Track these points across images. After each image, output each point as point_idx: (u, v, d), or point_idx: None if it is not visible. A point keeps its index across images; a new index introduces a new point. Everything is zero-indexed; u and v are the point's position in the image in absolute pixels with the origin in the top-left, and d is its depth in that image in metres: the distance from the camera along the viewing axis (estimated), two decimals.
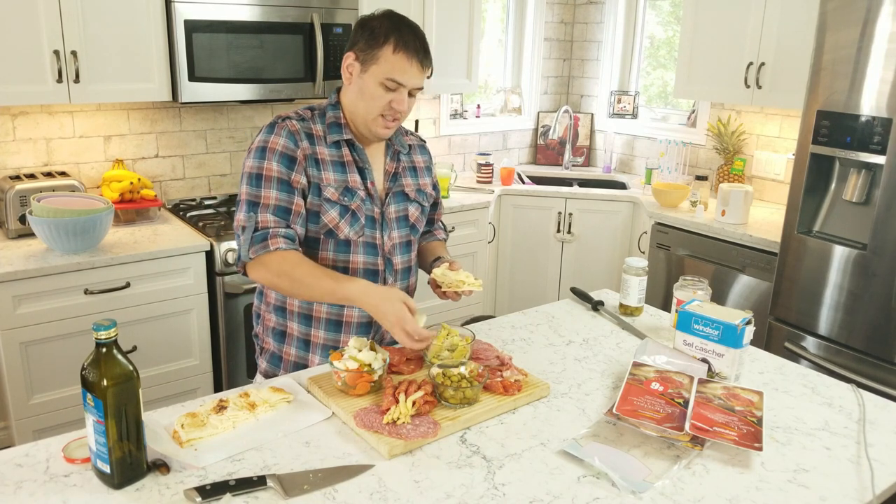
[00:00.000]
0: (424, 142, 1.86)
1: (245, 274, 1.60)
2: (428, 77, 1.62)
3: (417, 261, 1.82)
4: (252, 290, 2.74)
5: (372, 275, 1.67)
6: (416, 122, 3.87)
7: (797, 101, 2.80)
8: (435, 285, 1.64)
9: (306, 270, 1.52)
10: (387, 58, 1.53)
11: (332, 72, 3.03)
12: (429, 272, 1.73)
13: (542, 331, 1.86)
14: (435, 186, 1.86)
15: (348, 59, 1.58)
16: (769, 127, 3.52)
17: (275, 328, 1.72)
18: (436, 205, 1.90)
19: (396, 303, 1.45)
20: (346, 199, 1.61)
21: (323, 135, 1.62)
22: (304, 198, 1.59)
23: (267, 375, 1.76)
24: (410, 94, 1.59)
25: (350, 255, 1.64)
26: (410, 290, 1.78)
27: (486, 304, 3.84)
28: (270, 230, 1.54)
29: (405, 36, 1.53)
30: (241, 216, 1.57)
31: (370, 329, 1.69)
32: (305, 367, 1.70)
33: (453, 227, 3.37)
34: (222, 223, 2.86)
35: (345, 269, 1.64)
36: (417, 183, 1.76)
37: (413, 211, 1.73)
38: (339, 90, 1.67)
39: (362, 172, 1.64)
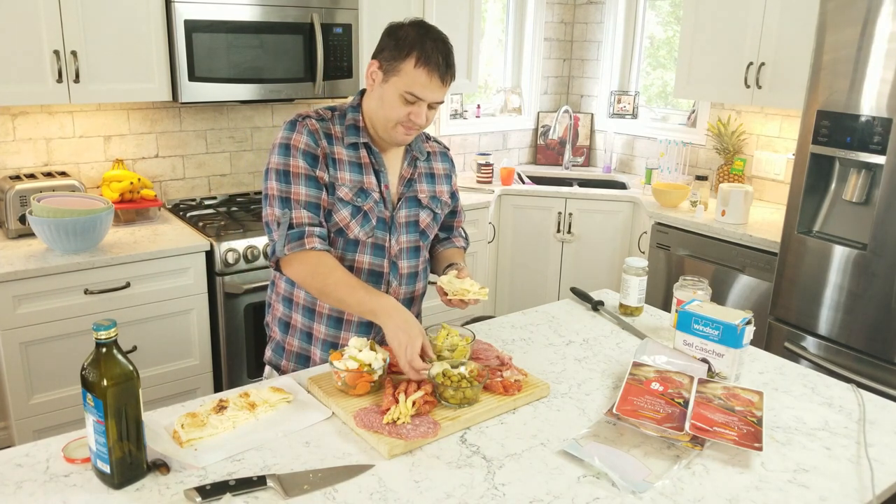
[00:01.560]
0: (448, 149, 1.85)
1: (277, 269, 1.61)
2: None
3: (428, 266, 1.83)
4: (253, 291, 2.74)
5: (376, 276, 1.67)
6: None
7: (797, 101, 2.80)
8: (441, 292, 1.64)
9: (339, 277, 1.53)
10: (408, 71, 1.52)
11: (332, 72, 3.03)
12: None
13: (542, 331, 1.86)
14: (454, 195, 1.85)
15: (372, 66, 1.58)
16: (769, 127, 3.52)
17: (281, 318, 1.75)
18: (455, 212, 1.90)
19: (415, 334, 1.44)
20: (359, 199, 1.62)
21: (341, 136, 1.63)
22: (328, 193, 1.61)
23: (271, 363, 1.80)
24: (430, 107, 1.58)
25: (356, 254, 1.65)
26: (417, 296, 1.78)
27: (486, 304, 3.84)
28: (306, 228, 1.56)
29: (428, 50, 1.51)
30: (274, 211, 1.58)
31: (370, 329, 1.70)
32: (308, 358, 1.72)
33: None
34: (222, 223, 2.86)
35: (349, 268, 1.64)
36: (433, 190, 1.75)
37: (424, 217, 1.73)
38: (363, 92, 1.66)
39: (378, 175, 1.65)
